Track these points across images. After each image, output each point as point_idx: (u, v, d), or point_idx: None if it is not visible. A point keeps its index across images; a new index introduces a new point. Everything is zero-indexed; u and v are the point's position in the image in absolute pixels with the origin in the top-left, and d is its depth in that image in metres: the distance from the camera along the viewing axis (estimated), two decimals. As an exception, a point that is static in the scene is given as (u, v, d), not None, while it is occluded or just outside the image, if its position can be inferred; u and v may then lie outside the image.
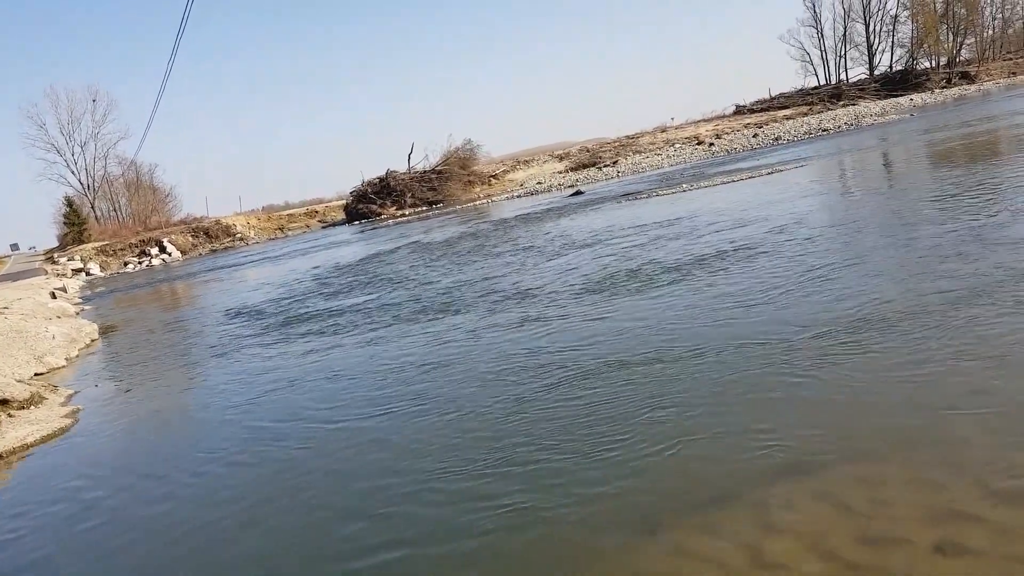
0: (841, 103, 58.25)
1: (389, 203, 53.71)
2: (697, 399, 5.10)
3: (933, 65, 68.17)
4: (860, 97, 59.80)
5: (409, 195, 53.69)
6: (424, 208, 51.29)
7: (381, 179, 55.78)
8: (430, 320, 9.81)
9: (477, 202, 46.11)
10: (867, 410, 4.45)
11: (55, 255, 58.65)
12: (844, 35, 73.01)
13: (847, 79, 71.05)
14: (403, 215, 49.22)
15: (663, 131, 64.13)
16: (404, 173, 55.90)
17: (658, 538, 3.55)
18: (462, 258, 16.24)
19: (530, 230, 19.56)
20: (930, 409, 4.31)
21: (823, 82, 72.20)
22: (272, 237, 58.14)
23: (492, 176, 58.88)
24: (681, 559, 3.37)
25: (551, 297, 9.59)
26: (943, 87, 61.22)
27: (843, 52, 73.50)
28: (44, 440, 7.59)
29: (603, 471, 4.32)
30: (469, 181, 56.29)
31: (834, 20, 75.76)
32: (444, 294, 11.67)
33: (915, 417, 4.25)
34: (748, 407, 4.80)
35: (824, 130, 41.60)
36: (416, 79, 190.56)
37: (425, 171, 55.97)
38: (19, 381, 9.70)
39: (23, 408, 8.57)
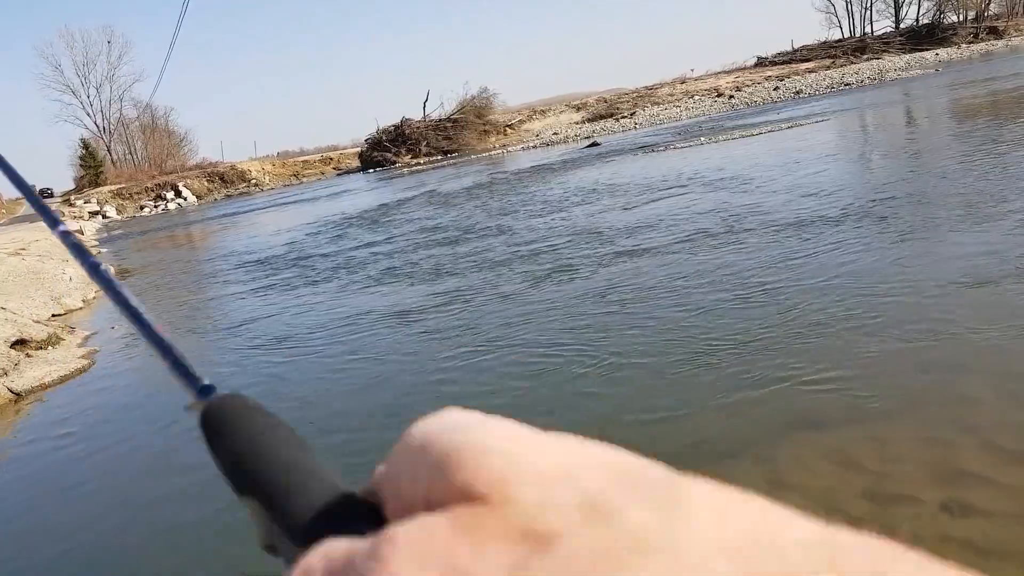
0: (865, 57, 56.94)
1: (404, 151, 53.33)
2: (716, 351, 5.09)
3: (960, 19, 66.32)
4: (885, 51, 58.38)
5: (424, 144, 53.25)
6: (439, 157, 50.86)
7: (396, 127, 55.29)
8: (441, 272, 9.82)
9: (492, 152, 45.67)
10: (880, 368, 4.43)
11: (72, 197, 58.97)
12: (871, -13, 71.32)
13: (872, 32, 69.45)
14: (418, 164, 48.90)
15: (682, 83, 63.00)
16: (419, 121, 55.35)
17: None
18: (480, 209, 16.17)
19: (545, 182, 19.42)
20: (942, 369, 4.29)
21: (847, 35, 70.65)
22: (287, 184, 58.08)
23: (508, 126, 58.19)
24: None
25: (558, 249, 9.57)
26: (970, 42, 59.67)
27: (869, 4, 71.98)
28: (62, 380, 7.73)
29: (605, 422, 4.35)
30: (484, 131, 55.68)
31: (861, -29, 73.90)
32: (461, 244, 11.66)
33: (927, 376, 4.23)
34: (765, 361, 4.79)
35: (847, 84, 40.82)
36: (432, 25, 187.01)
37: (440, 120, 55.37)
38: (37, 322, 9.84)
39: (41, 348, 8.71)
